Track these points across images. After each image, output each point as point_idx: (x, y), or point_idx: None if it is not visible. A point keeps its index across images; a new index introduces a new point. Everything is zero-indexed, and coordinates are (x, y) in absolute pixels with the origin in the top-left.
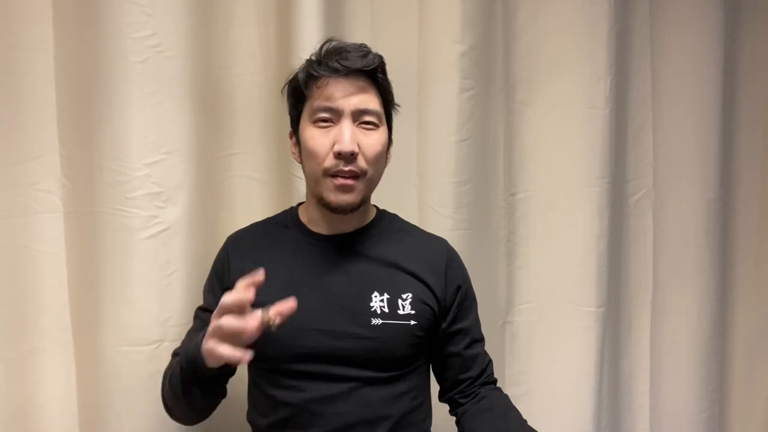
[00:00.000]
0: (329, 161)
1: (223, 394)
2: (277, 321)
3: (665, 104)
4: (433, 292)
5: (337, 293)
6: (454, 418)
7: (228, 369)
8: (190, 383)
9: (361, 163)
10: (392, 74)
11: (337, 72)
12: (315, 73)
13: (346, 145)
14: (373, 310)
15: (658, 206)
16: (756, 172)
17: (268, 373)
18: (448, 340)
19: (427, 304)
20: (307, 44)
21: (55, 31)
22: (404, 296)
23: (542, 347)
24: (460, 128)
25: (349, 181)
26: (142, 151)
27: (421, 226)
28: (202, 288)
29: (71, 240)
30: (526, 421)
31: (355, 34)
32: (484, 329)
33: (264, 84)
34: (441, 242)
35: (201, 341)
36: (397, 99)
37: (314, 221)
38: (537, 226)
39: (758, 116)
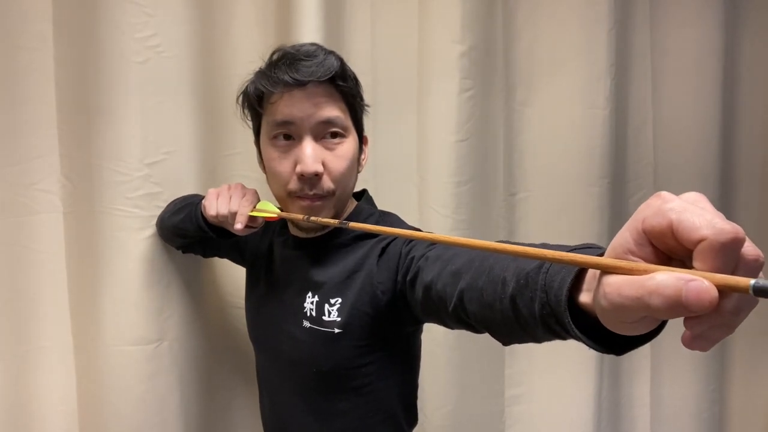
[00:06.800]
0: (293, 184)
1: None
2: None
3: (665, 104)
4: (375, 293)
5: (284, 292)
6: None
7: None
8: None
9: (327, 183)
10: (392, 74)
11: (288, 86)
12: (264, 90)
13: (309, 167)
14: (304, 311)
15: None
16: (756, 172)
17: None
18: (409, 272)
19: (365, 312)
20: None
21: (55, 31)
22: (332, 301)
23: (542, 347)
24: (460, 128)
25: (317, 202)
26: (142, 151)
27: (421, 226)
28: (201, 288)
29: (71, 240)
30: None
31: (355, 34)
32: None
33: None
34: (384, 239)
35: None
36: (397, 99)
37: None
38: (537, 226)
39: (758, 116)
